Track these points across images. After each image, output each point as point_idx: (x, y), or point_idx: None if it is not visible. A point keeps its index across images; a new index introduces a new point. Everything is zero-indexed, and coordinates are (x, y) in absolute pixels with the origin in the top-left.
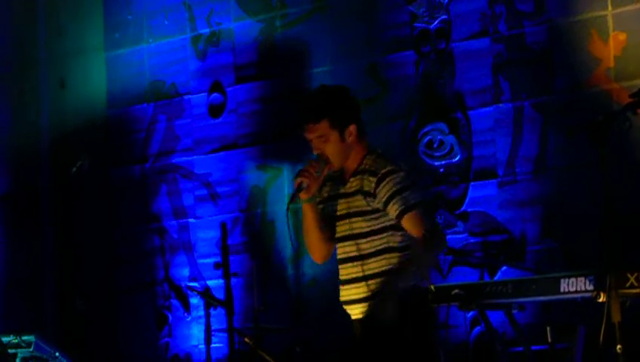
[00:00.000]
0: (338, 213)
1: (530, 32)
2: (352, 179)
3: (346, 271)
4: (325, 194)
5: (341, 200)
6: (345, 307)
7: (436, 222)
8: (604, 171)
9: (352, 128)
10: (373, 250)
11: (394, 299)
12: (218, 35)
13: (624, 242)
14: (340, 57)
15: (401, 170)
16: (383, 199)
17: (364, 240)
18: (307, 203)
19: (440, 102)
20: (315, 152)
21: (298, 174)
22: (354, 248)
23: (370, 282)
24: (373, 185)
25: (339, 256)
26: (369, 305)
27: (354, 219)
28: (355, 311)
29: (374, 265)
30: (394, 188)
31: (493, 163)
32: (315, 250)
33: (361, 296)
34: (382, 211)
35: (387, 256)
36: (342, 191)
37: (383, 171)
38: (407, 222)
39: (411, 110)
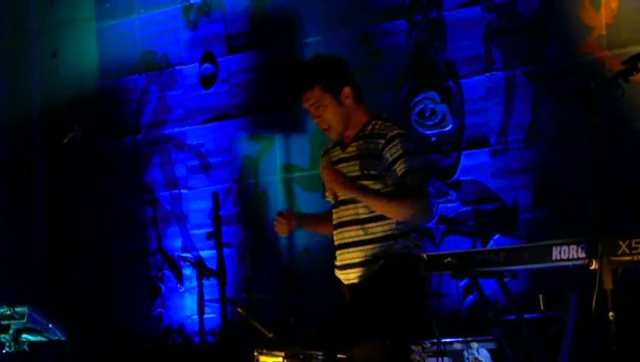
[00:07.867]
0: None
1: (522, 0)
2: (352, 144)
3: (342, 236)
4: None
5: (340, 166)
6: (339, 272)
7: (428, 194)
8: (595, 139)
9: (347, 90)
10: (371, 214)
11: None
12: (209, 5)
13: (616, 210)
14: (332, 26)
15: (410, 136)
16: (390, 159)
17: (361, 205)
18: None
19: (432, 71)
20: (314, 120)
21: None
22: (352, 212)
23: (368, 247)
24: (380, 146)
25: (335, 221)
26: (364, 270)
27: None
28: (351, 276)
29: (374, 230)
30: (402, 150)
31: (485, 131)
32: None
33: (359, 260)
34: (379, 176)
35: (386, 221)
36: (341, 156)
37: (392, 134)
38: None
39: (403, 79)
